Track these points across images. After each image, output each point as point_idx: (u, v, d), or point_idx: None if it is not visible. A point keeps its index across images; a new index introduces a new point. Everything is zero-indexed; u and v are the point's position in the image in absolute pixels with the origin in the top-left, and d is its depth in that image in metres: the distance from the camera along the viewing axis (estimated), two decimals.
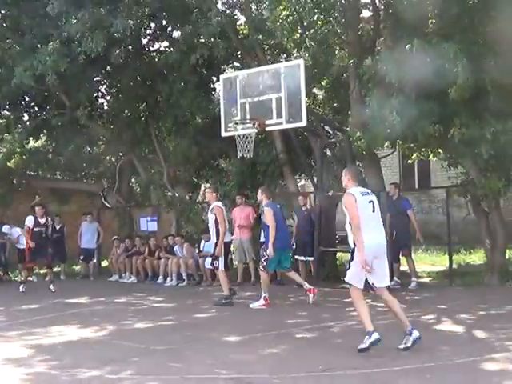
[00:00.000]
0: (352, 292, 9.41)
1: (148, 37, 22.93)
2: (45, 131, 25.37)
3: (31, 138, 25.93)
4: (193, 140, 21.58)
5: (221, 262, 14.70)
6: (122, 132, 23.50)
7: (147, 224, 23.26)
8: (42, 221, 18.60)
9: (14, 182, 24.77)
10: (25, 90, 22.17)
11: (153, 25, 22.08)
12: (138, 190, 28.03)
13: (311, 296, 14.08)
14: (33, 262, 19.03)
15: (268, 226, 14.29)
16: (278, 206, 14.95)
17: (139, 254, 21.50)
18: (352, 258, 9.34)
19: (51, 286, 18.50)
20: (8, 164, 25.31)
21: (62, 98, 22.93)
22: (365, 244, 9.07)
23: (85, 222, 23.13)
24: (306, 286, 14.38)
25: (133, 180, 28.09)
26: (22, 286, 18.33)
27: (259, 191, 15.06)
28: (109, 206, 25.29)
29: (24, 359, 9.70)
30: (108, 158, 27.46)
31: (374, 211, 9.49)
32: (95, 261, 23.20)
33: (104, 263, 24.36)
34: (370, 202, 9.47)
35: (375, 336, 9.00)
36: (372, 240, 9.19)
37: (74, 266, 24.93)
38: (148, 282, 20.62)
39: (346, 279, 9.53)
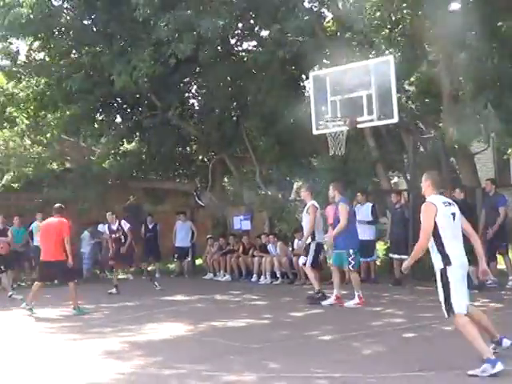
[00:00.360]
0: (457, 320, 8.11)
1: (236, 37, 23.04)
2: (137, 133, 25.75)
3: (125, 141, 26.33)
4: (283, 138, 21.60)
5: (309, 259, 14.80)
6: (213, 131, 23.68)
7: (241, 223, 23.37)
8: (115, 226, 19.03)
9: (109, 182, 25.18)
10: (116, 93, 22.59)
11: (240, 25, 22.15)
12: (231, 188, 28.20)
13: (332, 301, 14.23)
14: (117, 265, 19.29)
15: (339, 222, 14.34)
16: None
17: (233, 252, 21.65)
18: (444, 282, 8.14)
19: (155, 283, 18.92)
20: (103, 165, 25.76)
21: (153, 99, 23.28)
22: (455, 262, 8.09)
23: (179, 221, 23.41)
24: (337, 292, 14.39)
25: (225, 179, 28.26)
26: (114, 289, 18.59)
27: (331, 187, 15.03)
28: (202, 205, 25.52)
29: (123, 354, 9.97)
30: (200, 157, 27.67)
31: (454, 224, 8.34)
32: (189, 259, 23.48)
33: (198, 261, 24.59)
34: (452, 214, 8.30)
35: (499, 367, 7.66)
36: (461, 258, 8.19)
37: (168, 265, 25.24)
38: (242, 280, 20.73)
39: (449, 312, 8.08)
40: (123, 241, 18.58)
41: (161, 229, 23.82)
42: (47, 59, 24.21)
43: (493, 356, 7.77)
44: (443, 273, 8.14)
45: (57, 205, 15.49)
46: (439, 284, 8.22)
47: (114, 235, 19.04)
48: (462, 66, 15.24)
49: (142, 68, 19.40)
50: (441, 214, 8.19)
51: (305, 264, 15.07)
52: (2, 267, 18.42)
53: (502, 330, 8.72)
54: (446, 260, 8.12)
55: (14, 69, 24.59)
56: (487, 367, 7.66)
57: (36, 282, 15.27)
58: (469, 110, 14.86)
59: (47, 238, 15.01)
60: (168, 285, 20.33)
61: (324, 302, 14.32)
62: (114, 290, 18.41)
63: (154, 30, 19.47)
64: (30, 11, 19.89)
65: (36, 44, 23.53)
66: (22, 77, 24.67)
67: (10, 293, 17.85)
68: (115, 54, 20.71)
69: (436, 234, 8.17)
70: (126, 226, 18.74)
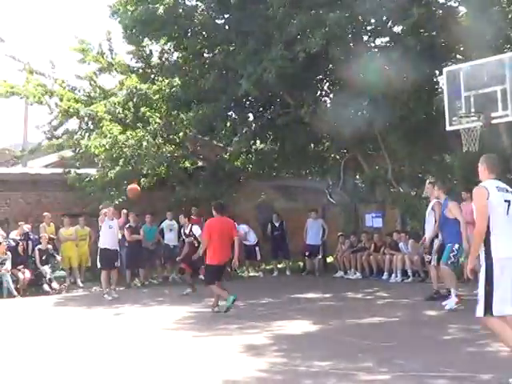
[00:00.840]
0: (492, 324, 7.67)
1: (369, 33, 22.86)
2: (270, 131, 25.93)
3: (256, 140, 26.57)
4: (415, 134, 21.32)
5: (433, 258, 14.69)
6: (345, 129, 23.58)
7: (372, 220, 23.29)
8: (187, 230, 19.09)
9: (241, 180, 25.49)
10: (248, 92, 22.86)
11: (373, 20, 21.96)
12: (363, 186, 28.04)
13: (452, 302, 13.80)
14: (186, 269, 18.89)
15: (447, 221, 14.19)
16: None
17: (364, 250, 21.58)
18: (488, 281, 7.53)
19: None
20: (235, 164, 26.09)
21: (285, 97, 23.40)
22: (495, 254, 7.51)
23: (310, 218, 23.47)
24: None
25: (357, 176, 28.13)
26: (187, 290, 18.39)
27: (435, 186, 15.01)
28: (334, 202, 25.49)
29: (256, 351, 10.14)
30: (332, 155, 27.63)
31: (507, 214, 7.69)
32: (320, 257, 23.49)
33: (329, 259, 24.60)
34: (506, 201, 7.69)
35: None
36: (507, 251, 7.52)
37: (299, 262, 25.35)
38: (373, 278, 20.64)
39: (486, 312, 7.54)
40: (196, 245, 18.02)
41: (290, 226, 23.90)
42: (180, 60, 24.65)
43: None
44: (488, 267, 7.55)
45: (217, 202, 15.66)
46: (481, 279, 7.65)
47: (186, 238, 18.95)
48: None
49: (271, 70, 19.54)
50: (492, 199, 7.64)
51: (430, 262, 14.92)
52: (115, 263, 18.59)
53: None
54: (491, 252, 7.53)
55: (148, 70, 25.27)
56: None
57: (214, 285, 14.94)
58: None
59: (223, 237, 14.82)
60: (299, 282, 20.51)
61: (447, 307, 14.00)
62: (189, 290, 18.32)
63: (286, 28, 19.59)
64: (163, 12, 20.42)
65: (169, 44, 24.02)
66: (156, 78, 25.30)
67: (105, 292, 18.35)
68: (248, 54, 20.91)
69: None
70: (197, 231, 18.35)
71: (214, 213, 15.07)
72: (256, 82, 20.03)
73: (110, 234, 18.31)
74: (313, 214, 23.49)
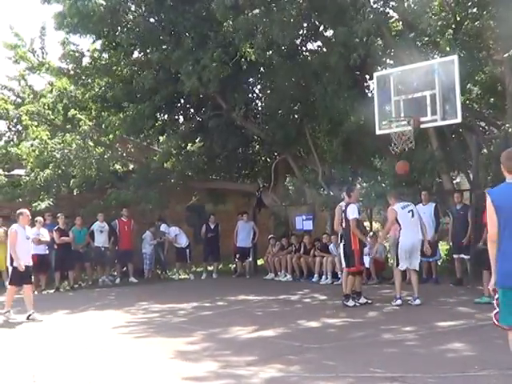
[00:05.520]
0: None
1: (301, 37, 23.03)
2: (200, 133, 25.93)
3: (187, 142, 26.54)
4: (346, 139, 21.55)
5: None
6: (277, 132, 23.70)
7: (303, 223, 23.37)
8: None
9: (172, 182, 25.39)
10: (181, 93, 22.80)
11: (305, 24, 22.12)
12: (293, 188, 28.22)
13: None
14: None
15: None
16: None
17: (295, 252, 21.67)
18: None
19: None
20: (165, 165, 26.02)
21: (217, 99, 23.41)
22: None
23: (241, 221, 23.50)
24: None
25: (288, 179, 28.29)
26: None
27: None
28: (265, 205, 25.59)
29: (186, 356, 9.99)
30: (263, 157, 27.75)
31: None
32: (251, 259, 23.53)
33: (260, 262, 24.66)
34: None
35: None
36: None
37: (230, 265, 25.37)
38: (303, 280, 20.74)
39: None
40: None
41: (222, 229, 23.93)
42: (112, 59, 24.46)
43: None
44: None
45: None
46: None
47: None
48: None
49: (212, 69, 19.58)
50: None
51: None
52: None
53: None
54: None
55: (78, 71, 25.00)
56: None
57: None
58: None
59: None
60: (229, 285, 20.52)
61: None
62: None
63: (223, 31, 19.63)
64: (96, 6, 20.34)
65: (100, 42, 23.82)
66: (85, 78, 25.07)
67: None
68: (184, 53, 20.86)
69: None
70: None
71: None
72: (197, 80, 20.02)
73: (26, 247, 14.70)
74: (244, 217, 23.49)
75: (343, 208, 14.86)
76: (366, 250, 16.07)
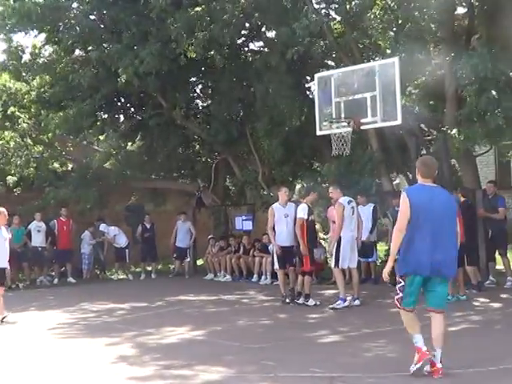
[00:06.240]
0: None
1: (243, 37, 23.03)
2: (140, 132, 25.78)
3: (127, 141, 26.35)
4: (287, 140, 21.57)
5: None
6: (218, 132, 23.65)
7: (242, 223, 23.38)
8: None
9: (112, 182, 25.16)
10: (121, 92, 22.60)
11: (247, 25, 22.12)
12: (234, 189, 28.20)
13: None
14: None
15: None
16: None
17: (234, 252, 21.65)
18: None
19: None
20: (105, 165, 25.80)
21: (158, 98, 23.25)
22: None
23: (179, 220, 23.41)
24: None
25: (228, 179, 28.26)
26: None
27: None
28: (205, 205, 25.50)
29: (128, 356, 9.95)
30: (204, 157, 27.67)
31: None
32: (189, 259, 23.43)
33: (199, 262, 24.57)
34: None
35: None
36: None
37: (169, 265, 25.25)
38: (242, 280, 20.72)
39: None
40: None
41: (160, 228, 23.80)
42: (52, 56, 24.11)
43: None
44: None
45: None
46: None
47: None
48: (466, 68, 15.24)
49: (149, 62, 19.41)
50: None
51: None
52: None
53: (503, 329, 8.78)
54: None
55: (19, 68, 24.57)
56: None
57: None
58: (472, 112, 14.87)
59: None
60: (168, 285, 20.42)
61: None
62: None
63: (164, 27, 19.51)
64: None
65: (41, 38, 23.43)
66: (26, 75, 24.66)
67: None
68: (123, 48, 20.66)
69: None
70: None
71: None
72: (136, 74, 19.84)
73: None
74: (182, 217, 23.40)
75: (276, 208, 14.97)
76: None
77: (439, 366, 7.85)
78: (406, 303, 8.10)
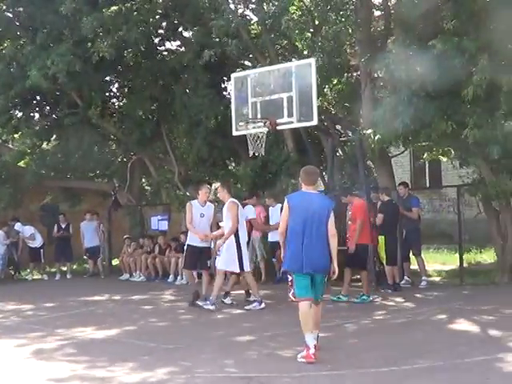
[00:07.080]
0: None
1: (159, 36, 22.94)
2: (56, 131, 25.42)
3: (42, 140, 25.96)
4: (204, 140, 21.53)
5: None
6: (133, 131, 23.49)
7: (158, 223, 23.28)
8: None
9: (26, 181, 24.73)
10: (36, 90, 22.22)
11: (164, 24, 22.03)
12: (149, 189, 28.05)
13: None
14: None
15: None
16: None
17: (149, 252, 21.53)
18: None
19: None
20: (20, 164, 25.38)
21: (73, 97, 22.96)
22: None
23: (84, 220, 23.25)
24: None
25: (144, 179, 28.10)
26: None
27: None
28: (121, 204, 25.28)
29: (43, 355, 9.83)
30: (119, 157, 27.44)
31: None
32: (101, 257, 23.23)
33: (115, 262, 24.36)
34: None
35: None
36: None
37: (85, 265, 24.98)
38: (158, 280, 20.61)
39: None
40: None
41: (76, 228, 23.52)
42: None
43: None
44: None
45: None
46: None
47: None
48: (381, 70, 15.49)
49: (58, 63, 19.13)
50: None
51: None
52: None
53: (417, 328, 8.92)
54: None
55: None
56: None
57: None
58: (387, 113, 15.07)
59: None
60: (83, 285, 20.19)
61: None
62: None
63: (78, 26, 19.27)
64: None
65: None
66: None
67: None
68: (37, 48, 20.34)
69: None
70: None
71: None
72: (45, 76, 19.52)
73: None
74: (87, 216, 23.21)
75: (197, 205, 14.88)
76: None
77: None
78: (298, 295, 9.14)
